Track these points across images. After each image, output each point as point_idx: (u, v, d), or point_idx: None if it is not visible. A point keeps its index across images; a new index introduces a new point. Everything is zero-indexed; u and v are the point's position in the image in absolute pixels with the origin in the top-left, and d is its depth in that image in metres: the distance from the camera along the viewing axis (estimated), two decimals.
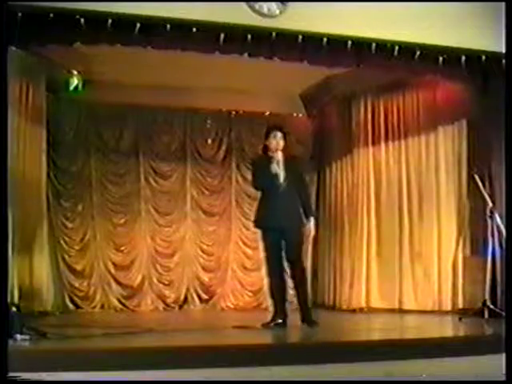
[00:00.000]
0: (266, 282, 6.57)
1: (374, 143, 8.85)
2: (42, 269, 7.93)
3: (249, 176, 9.59)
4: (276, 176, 6.07)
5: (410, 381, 4.47)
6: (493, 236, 6.80)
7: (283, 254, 6.18)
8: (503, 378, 4.34)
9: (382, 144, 8.77)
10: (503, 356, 4.50)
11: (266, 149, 6.23)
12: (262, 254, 6.61)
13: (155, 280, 9.22)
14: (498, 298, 6.80)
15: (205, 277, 9.40)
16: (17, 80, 7.13)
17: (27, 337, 4.76)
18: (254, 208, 9.52)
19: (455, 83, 7.57)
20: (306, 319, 6.22)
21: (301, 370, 4.30)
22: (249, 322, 6.40)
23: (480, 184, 6.86)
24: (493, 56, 6.83)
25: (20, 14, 5.69)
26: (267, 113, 9.62)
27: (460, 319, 6.65)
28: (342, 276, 9.04)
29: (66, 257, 8.87)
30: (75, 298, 8.83)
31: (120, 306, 9.00)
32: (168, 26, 6.10)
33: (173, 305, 9.22)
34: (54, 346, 4.70)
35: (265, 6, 6.23)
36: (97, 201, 9.04)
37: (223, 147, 9.57)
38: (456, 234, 7.89)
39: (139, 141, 9.27)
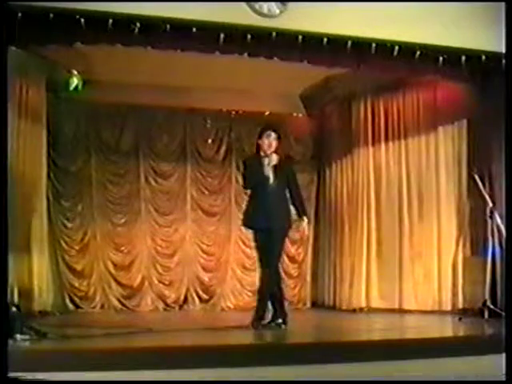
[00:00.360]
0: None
1: (373, 143, 8.85)
2: (42, 269, 7.93)
3: None
4: (266, 177, 6.07)
5: (410, 381, 4.47)
6: (493, 236, 6.81)
7: (282, 252, 6.22)
8: (503, 378, 4.35)
9: (382, 144, 8.77)
10: (503, 356, 4.50)
11: (258, 148, 6.21)
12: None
13: (155, 280, 9.22)
14: (498, 298, 6.80)
15: (205, 277, 9.40)
16: (17, 80, 7.12)
17: (27, 337, 4.76)
18: None
19: (455, 83, 7.57)
20: (277, 317, 6.13)
21: (301, 369, 4.30)
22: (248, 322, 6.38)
23: (480, 184, 6.87)
24: (493, 56, 6.83)
25: (20, 14, 5.69)
26: (267, 113, 9.62)
27: (460, 319, 6.66)
28: (342, 276, 9.04)
29: (66, 257, 8.86)
30: (75, 298, 8.82)
31: (120, 306, 9.00)
32: (168, 26, 6.10)
33: (173, 305, 9.21)
34: (54, 346, 4.70)
35: (265, 6, 6.23)
36: (97, 201, 9.03)
37: (223, 147, 9.57)
38: (456, 234, 7.89)
39: (139, 141, 9.27)
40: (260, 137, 6.20)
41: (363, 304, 8.63)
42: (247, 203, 6.37)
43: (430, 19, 6.62)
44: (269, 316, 6.17)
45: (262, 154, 6.15)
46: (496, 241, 6.83)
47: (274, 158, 6.10)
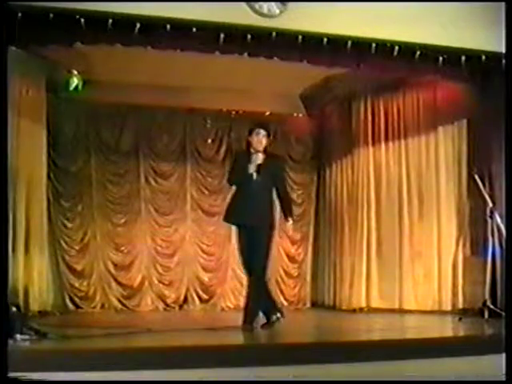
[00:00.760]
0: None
1: (374, 143, 8.85)
2: (42, 269, 7.93)
3: None
4: (251, 175, 6.03)
5: (410, 381, 4.47)
6: (493, 236, 6.81)
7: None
8: (503, 378, 4.35)
9: (382, 144, 8.78)
10: (503, 356, 4.50)
11: (248, 145, 6.18)
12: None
13: (155, 280, 9.22)
14: (498, 298, 6.80)
15: (205, 277, 9.40)
16: (17, 80, 7.12)
17: (27, 337, 4.76)
18: None
19: (455, 83, 7.57)
20: (245, 318, 6.05)
21: (301, 369, 4.30)
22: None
23: (480, 184, 6.86)
24: (493, 56, 6.83)
25: (20, 14, 5.69)
26: (267, 113, 9.62)
27: (460, 319, 6.65)
28: (342, 276, 9.04)
29: (66, 257, 8.86)
30: (75, 298, 8.82)
31: (120, 305, 9.00)
32: (168, 26, 6.10)
33: (173, 305, 9.22)
34: (54, 346, 4.70)
35: (265, 6, 6.23)
36: (97, 201, 9.04)
37: (223, 147, 9.57)
38: (456, 234, 7.89)
39: (139, 141, 9.27)
40: (250, 134, 6.18)
41: (363, 304, 8.63)
42: (230, 199, 6.32)
43: (430, 19, 6.62)
44: (261, 317, 6.12)
45: (251, 151, 6.11)
46: (496, 241, 6.82)
47: (260, 157, 6.04)
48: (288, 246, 9.77)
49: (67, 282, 8.81)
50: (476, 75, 7.15)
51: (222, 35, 6.25)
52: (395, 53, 6.71)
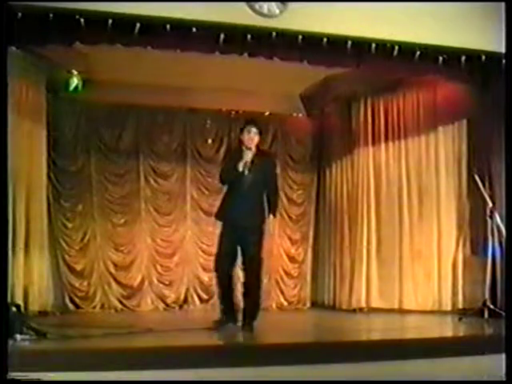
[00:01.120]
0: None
1: (374, 143, 8.85)
2: (42, 269, 7.93)
3: None
4: (243, 173, 6.00)
5: (410, 381, 4.47)
6: (493, 236, 6.81)
7: (239, 253, 6.13)
8: (503, 378, 4.35)
9: (382, 144, 8.78)
10: (503, 356, 4.50)
11: (240, 143, 6.17)
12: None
13: (155, 280, 9.22)
14: (498, 298, 6.80)
15: (205, 277, 9.39)
16: (17, 80, 7.12)
17: (27, 337, 4.76)
18: None
19: (455, 83, 7.57)
20: (244, 320, 6.04)
21: (301, 370, 4.30)
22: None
23: (480, 184, 6.86)
24: (493, 56, 6.83)
25: (20, 14, 5.69)
26: (267, 113, 9.62)
27: (460, 319, 6.66)
28: (342, 276, 9.04)
29: (66, 257, 8.86)
30: (75, 298, 8.82)
31: (120, 306, 9.00)
32: (168, 26, 6.10)
33: (173, 305, 9.22)
34: (54, 346, 4.70)
35: (265, 6, 6.23)
36: (97, 201, 9.04)
37: (223, 147, 9.56)
38: (456, 234, 7.89)
39: (139, 141, 9.27)
40: (241, 132, 6.19)
41: (363, 304, 8.63)
42: (222, 198, 6.31)
43: (430, 19, 6.61)
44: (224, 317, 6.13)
45: (243, 149, 6.09)
46: (496, 241, 6.83)
47: (249, 154, 6.03)
48: (288, 245, 9.78)
49: (67, 282, 8.81)
50: (476, 75, 7.14)
51: (222, 35, 6.24)
52: (395, 53, 6.70)
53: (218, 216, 6.29)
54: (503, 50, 6.45)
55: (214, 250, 9.31)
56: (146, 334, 5.78)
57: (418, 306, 8.17)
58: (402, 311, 8.23)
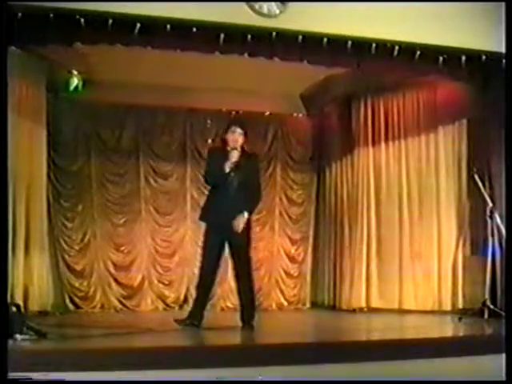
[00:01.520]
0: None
1: (374, 143, 8.85)
2: (42, 269, 7.92)
3: None
4: (228, 173, 5.95)
5: (410, 381, 4.47)
6: (493, 236, 6.80)
7: (224, 254, 6.11)
8: (503, 378, 4.35)
9: (382, 144, 8.78)
10: (503, 356, 4.50)
11: (224, 143, 6.11)
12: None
13: (155, 280, 9.21)
14: (497, 298, 6.80)
15: None
16: (17, 80, 7.12)
17: (27, 337, 4.75)
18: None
19: (455, 83, 7.57)
20: (243, 320, 6.04)
21: (301, 370, 4.30)
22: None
23: (480, 184, 6.86)
24: (493, 56, 6.83)
25: (20, 14, 5.69)
26: (267, 113, 9.63)
27: (460, 319, 6.65)
28: (342, 276, 9.04)
29: (66, 257, 8.86)
30: (75, 298, 8.82)
31: (120, 306, 8.99)
32: (168, 26, 6.10)
33: (173, 305, 9.21)
34: (54, 346, 4.70)
35: (265, 6, 6.23)
36: (97, 201, 9.03)
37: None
38: (456, 234, 7.89)
39: (139, 141, 9.26)
40: (226, 132, 6.12)
41: (363, 304, 8.62)
42: (207, 198, 6.27)
43: (430, 19, 6.62)
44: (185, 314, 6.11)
45: (228, 149, 6.04)
46: (496, 241, 6.82)
47: (235, 155, 5.96)
48: (288, 245, 9.78)
49: (67, 282, 8.81)
50: (476, 75, 7.15)
51: (222, 35, 6.25)
52: (395, 53, 6.71)
53: (203, 217, 6.21)
54: (503, 50, 6.45)
55: None
56: (146, 334, 5.77)
57: (417, 306, 8.17)
58: (401, 311, 8.23)
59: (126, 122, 9.22)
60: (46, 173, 8.20)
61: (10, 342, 4.45)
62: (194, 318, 6.00)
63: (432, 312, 7.90)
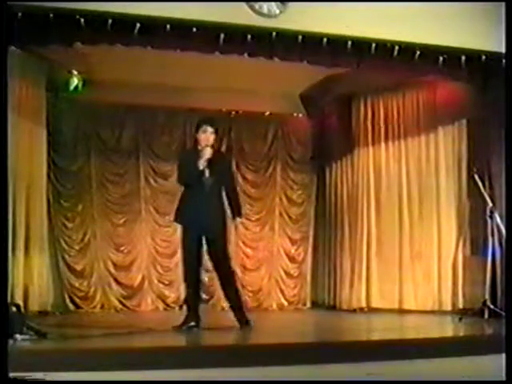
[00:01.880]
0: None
1: (373, 143, 8.85)
2: (42, 269, 7.93)
3: (249, 176, 9.66)
4: (202, 172, 5.88)
5: (410, 381, 4.47)
6: (493, 236, 6.81)
7: (204, 253, 6.06)
8: (503, 378, 4.35)
9: (382, 144, 8.78)
10: (503, 356, 4.50)
11: (196, 143, 6.06)
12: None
13: (155, 280, 9.21)
14: (498, 298, 6.80)
15: (205, 277, 9.36)
16: (17, 80, 7.12)
17: (27, 337, 4.75)
18: (254, 208, 9.67)
19: (455, 83, 7.57)
20: (238, 319, 6.00)
21: (301, 370, 4.30)
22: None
23: (480, 184, 6.86)
24: (493, 56, 6.83)
25: (20, 14, 5.69)
26: (267, 113, 9.63)
27: (460, 319, 6.65)
28: (342, 276, 9.04)
29: (66, 257, 8.86)
30: (75, 298, 8.82)
31: (120, 306, 9.00)
32: (168, 26, 6.10)
33: (173, 305, 9.20)
34: (54, 346, 4.70)
35: (265, 6, 6.23)
36: (97, 201, 9.03)
37: (223, 147, 9.55)
38: (456, 234, 7.89)
39: (139, 141, 9.26)
40: (197, 131, 6.06)
41: (363, 304, 8.63)
42: (180, 199, 6.15)
43: (430, 19, 6.62)
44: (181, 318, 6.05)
45: (199, 148, 5.98)
46: (496, 241, 6.82)
47: (208, 152, 5.90)
48: (288, 245, 9.78)
49: (67, 282, 8.81)
50: (476, 75, 7.15)
51: (222, 35, 6.25)
52: (395, 53, 6.71)
53: (179, 219, 6.13)
54: (503, 50, 6.45)
55: None
56: (146, 334, 5.77)
57: (417, 306, 8.18)
58: (401, 311, 8.23)
59: (126, 122, 9.22)
60: (46, 173, 8.20)
61: (10, 341, 4.45)
62: (191, 321, 5.97)
63: (432, 312, 7.90)
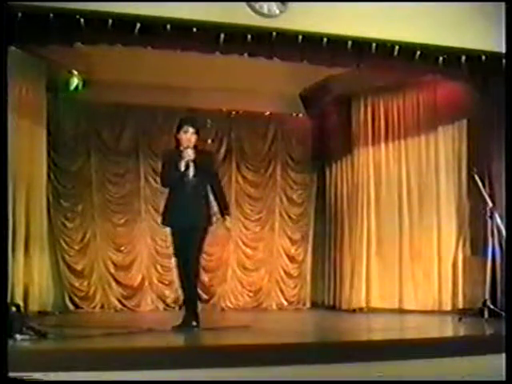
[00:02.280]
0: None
1: (373, 143, 8.86)
2: (42, 269, 7.93)
3: (249, 176, 9.66)
4: (184, 173, 5.82)
5: (410, 381, 4.47)
6: (493, 236, 6.81)
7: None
8: (503, 378, 4.35)
9: (382, 144, 8.78)
10: (503, 356, 4.50)
11: (178, 143, 5.97)
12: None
13: (155, 280, 9.22)
14: (497, 298, 6.80)
15: (205, 277, 9.38)
16: (17, 80, 7.12)
17: (27, 337, 4.75)
18: (254, 208, 9.68)
19: (455, 83, 7.57)
20: (185, 320, 5.92)
21: (301, 370, 4.30)
22: (249, 322, 6.39)
23: (480, 184, 6.86)
24: (493, 56, 6.84)
25: (20, 14, 5.69)
26: (267, 113, 9.63)
27: (460, 319, 6.65)
28: (342, 276, 9.04)
29: (66, 257, 8.86)
30: (75, 298, 8.82)
31: (120, 305, 9.00)
32: (168, 26, 6.10)
33: (173, 305, 9.20)
34: (54, 346, 4.70)
35: (265, 6, 6.23)
36: (97, 201, 9.04)
37: (223, 147, 9.57)
38: (456, 234, 7.90)
39: (139, 141, 9.27)
40: (178, 131, 5.97)
41: (363, 304, 8.63)
42: (165, 201, 6.10)
43: (430, 19, 6.62)
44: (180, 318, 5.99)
45: (181, 148, 5.90)
46: (496, 241, 6.82)
47: (190, 153, 5.82)
48: (288, 245, 9.78)
49: (67, 282, 8.81)
50: (476, 75, 7.15)
51: (222, 35, 6.25)
52: (395, 53, 6.71)
53: (165, 222, 6.08)
54: (503, 50, 6.46)
55: (213, 249, 9.45)
56: (146, 334, 5.77)
57: (418, 306, 8.18)
58: (402, 311, 8.23)
59: (126, 122, 9.22)
60: (46, 173, 8.20)
61: (10, 341, 4.45)
62: (190, 321, 5.91)
63: (432, 312, 7.90)
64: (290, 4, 6.27)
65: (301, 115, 9.80)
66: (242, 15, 6.17)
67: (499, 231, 6.68)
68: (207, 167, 6.03)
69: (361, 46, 6.64)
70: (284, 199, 9.78)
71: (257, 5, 6.21)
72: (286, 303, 9.62)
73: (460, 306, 7.64)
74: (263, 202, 9.73)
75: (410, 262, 8.33)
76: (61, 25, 5.91)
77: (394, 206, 8.59)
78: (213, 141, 9.56)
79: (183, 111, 9.27)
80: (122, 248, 9.17)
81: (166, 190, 6.11)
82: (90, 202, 9.01)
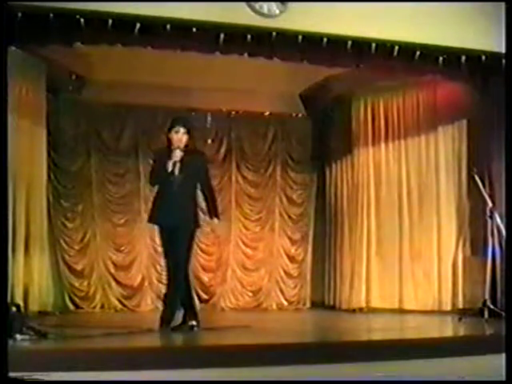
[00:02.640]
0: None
1: (373, 143, 8.85)
2: (42, 269, 7.92)
3: (249, 176, 9.66)
4: (172, 173, 5.80)
5: (410, 381, 4.47)
6: (493, 236, 6.81)
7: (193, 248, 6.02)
8: (503, 378, 4.35)
9: (382, 144, 8.78)
10: (503, 356, 4.50)
11: (169, 142, 5.94)
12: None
13: (155, 280, 9.20)
14: (498, 298, 6.80)
15: (205, 277, 9.39)
16: (17, 80, 7.12)
17: (27, 337, 4.75)
18: (254, 208, 9.68)
19: (455, 83, 7.57)
20: (164, 319, 5.92)
21: (301, 370, 4.30)
22: (249, 322, 6.39)
23: (480, 184, 6.86)
24: (493, 56, 6.84)
25: (20, 14, 5.69)
26: (267, 113, 9.63)
27: (460, 319, 6.65)
28: (342, 276, 9.04)
29: (66, 257, 8.85)
30: (75, 298, 8.81)
31: (120, 305, 8.99)
32: (168, 26, 6.10)
33: None
34: (54, 346, 4.70)
35: (265, 6, 6.23)
36: (97, 201, 9.03)
37: (223, 147, 9.56)
38: (456, 234, 7.90)
39: (139, 141, 9.26)
40: (169, 131, 5.96)
41: (363, 304, 8.63)
42: (153, 200, 6.10)
43: (430, 19, 6.62)
44: (179, 318, 5.97)
45: (172, 148, 5.88)
46: (496, 241, 6.83)
47: (177, 154, 5.80)
48: (288, 245, 9.77)
49: (67, 282, 8.80)
50: (476, 75, 7.15)
51: (221, 35, 6.25)
52: (395, 53, 6.71)
53: (152, 219, 6.09)
54: (503, 50, 6.46)
55: (213, 249, 9.46)
56: (146, 334, 5.77)
57: (417, 306, 8.18)
58: (402, 311, 8.23)
59: (126, 122, 9.21)
60: (46, 173, 8.19)
61: (10, 341, 4.45)
62: (189, 321, 5.90)
63: (432, 312, 7.90)
64: (290, 4, 6.27)
65: (301, 115, 9.79)
66: (241, 15, 6.17)
67: (499, 231, 6.68)
68: (198, 168, 5.99)
69: (361, 46, 6.64)
70: (284, 199, 9.77)
71: (257, 5, 6.21)
72: (286, 303, 9.62)
73: (460, 305, 7.64)
74: (263, 202, 9.73)
75: (409, 262, 8.33)
76: (61, 25, 5.91)
77: (393, 206, 8.59)
78: (213, 141, 9.56)
79: (183, 111, 9.31)
80: (122, 248, 9.16)
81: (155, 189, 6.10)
82: (90, 202, 9.00)
